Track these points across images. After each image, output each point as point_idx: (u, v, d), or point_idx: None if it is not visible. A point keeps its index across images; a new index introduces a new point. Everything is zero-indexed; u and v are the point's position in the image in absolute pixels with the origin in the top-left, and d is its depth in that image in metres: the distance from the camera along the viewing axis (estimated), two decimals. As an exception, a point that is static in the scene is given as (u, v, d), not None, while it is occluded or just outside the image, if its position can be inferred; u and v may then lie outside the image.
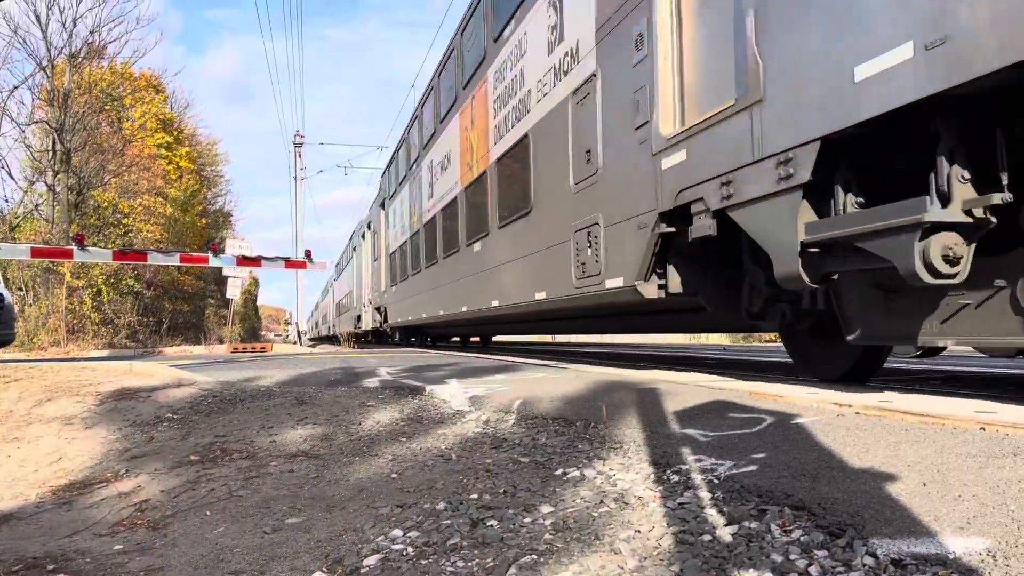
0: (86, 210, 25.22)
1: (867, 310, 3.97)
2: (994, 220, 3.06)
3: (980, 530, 1.65)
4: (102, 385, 5.14)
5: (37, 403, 4.59)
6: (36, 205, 25.11)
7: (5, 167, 24.62)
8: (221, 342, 27.57)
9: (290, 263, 15.22)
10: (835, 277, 3.90)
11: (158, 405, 4.66)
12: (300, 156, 34.30)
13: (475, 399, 4.62)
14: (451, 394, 4.87)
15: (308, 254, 15.46)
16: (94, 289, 23.15)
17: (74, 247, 12.33)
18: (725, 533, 1.92)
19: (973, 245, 3.13)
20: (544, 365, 6.98)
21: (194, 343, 26.67)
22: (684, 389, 4.00)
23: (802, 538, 1.82)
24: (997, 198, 2.95)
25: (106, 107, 26.59)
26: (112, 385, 5.16)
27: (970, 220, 3.05)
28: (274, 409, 4.51)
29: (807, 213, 3.77)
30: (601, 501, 2.32)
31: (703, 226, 4.63)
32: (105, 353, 18.26)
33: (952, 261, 3.09)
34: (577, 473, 2.71)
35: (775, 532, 1.88)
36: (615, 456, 2.91)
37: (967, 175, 3.07)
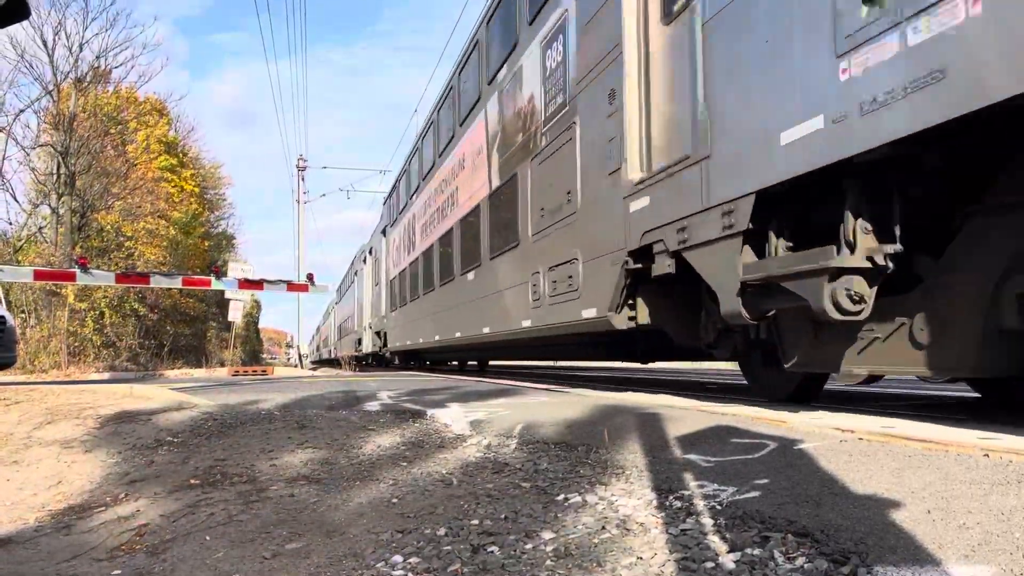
0: (89, 233, 25.33)
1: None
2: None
3: (985, 558, 1.64)
4: (102, 408, 5.13)
5: (37, 426, 4.58)
6: (40, 228, 25.23)
7: (10, 190, 24.78)
8: (222, 365, 27.53)
9: (292, 286, 15.25)
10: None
11: (158, 428, 4.65)
12: (303, 180, 34.48)
13: (476, 423, 4.61)
14: (452, 418, 4.85)
15: (311, 277, 15.50)
16: (97, 312, 23.17)
17: (77, 270, 12.37)
18: (728, 560, 1.90)
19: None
20: (546, 389, 6.96)
21: (195, 366, 26.64)
22: (686, 414, 3.99)
23: (805, 565, 1.81)
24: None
25: (111, 131, 26.78)
26: (112, 408, 5.15)
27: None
28: (275, 433, 4.49)
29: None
30: (603, 527, 2.31)
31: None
32: (106, 376, 18.23)
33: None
34: (579, 499, 2.69)
35: (778, 559, 1.86)
36: (617, 481, 2.90)
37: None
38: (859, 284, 3.65)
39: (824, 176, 3.66)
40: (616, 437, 3.61)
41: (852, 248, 3.62)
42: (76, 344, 21.71)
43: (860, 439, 2.88)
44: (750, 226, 4.16)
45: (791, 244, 4.17)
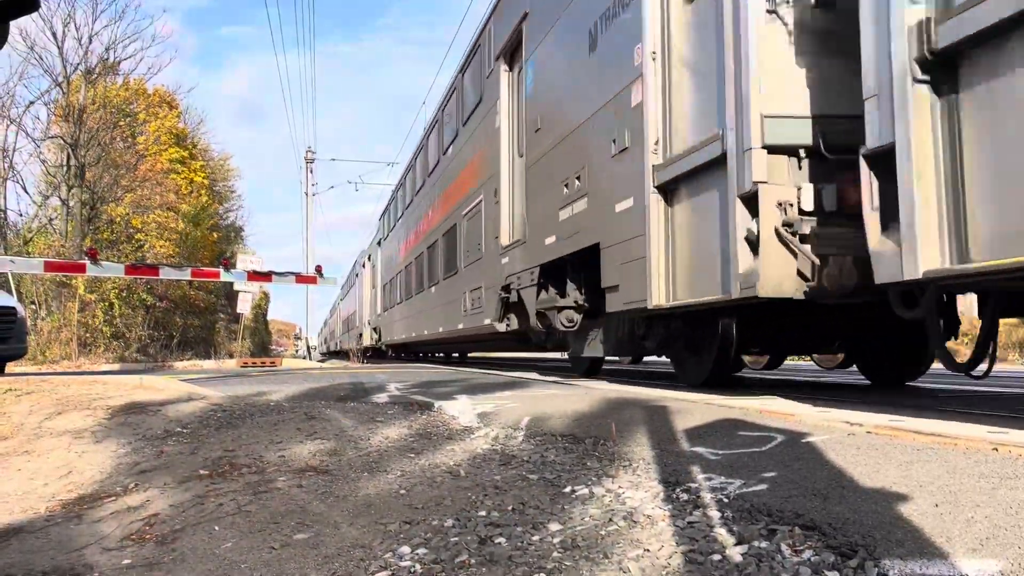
0: (99, 225, 25.43)
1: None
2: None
3: (992, 552, 1.64)
4: (112, 399, 5.16)
5: (48, 416, 4.61)
6: (50, 219, 25.35)
7: (20, 182, 24.87)
8: (231, 356, 27.64)
9: (301, 278, 15.28)
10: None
11: (168, 419, 4.67)
12: (311, 172, 34.49)
13: (484, 415, 4.61)
14: (460, 410, 4.86)
15: (319, 269, 15.51)
16: (106, 303, 23.27)
17: (87, 261, 12.42)
18: (735, 553, 1.90)
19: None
20: (554, 382, 6.98)
21: (204, 357, 26.75)
22: (693, 407, 3.98)
23: (812, 559, 1.81)
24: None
25: (120, 123, 26.84)
26: (122, 399, 5.18)
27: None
28: (283, 424, 4.51)
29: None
30: (610, 519, 2.31)
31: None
32: (116, 367, 18.34)
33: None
34: (586, 491, 2.70)
35: (785, 552, 1.86)
36: (624, 474, 2.90)
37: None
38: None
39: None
40: (623, 430, 3.61)
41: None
42: (86, 335, 21.83)
43: (868, 432, 2.87)
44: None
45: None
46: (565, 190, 6.82)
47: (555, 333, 8.03)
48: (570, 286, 7.18)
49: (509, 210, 9.09)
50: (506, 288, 8.95)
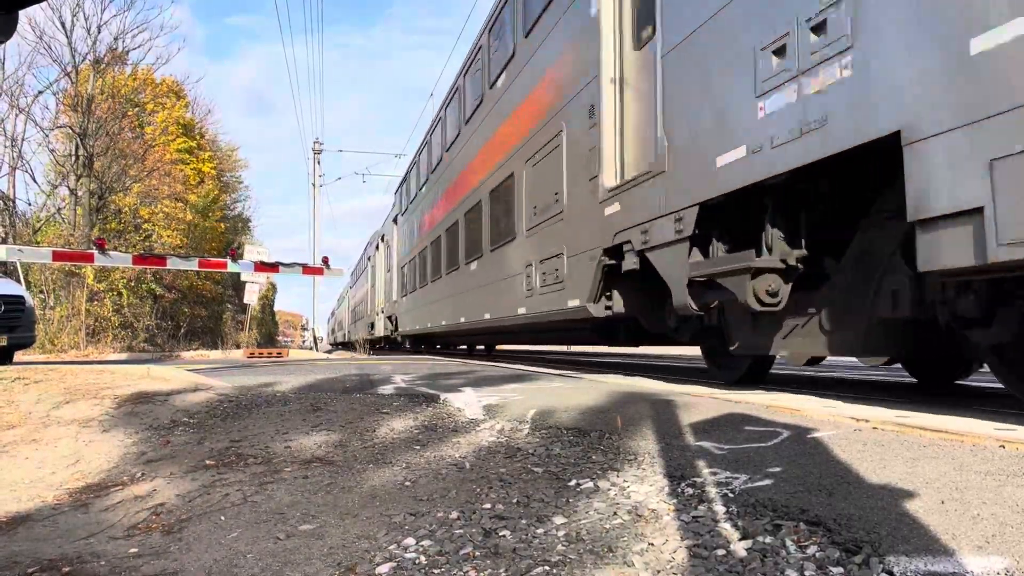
0: (107, 215, 25.50)
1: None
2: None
3: (999, 549, 1.63)
4: (120, 388, 5.18)
5: (56, 405, 4.64)
6: (58, 209, 25.44)
7: (29, 171, 24.92)
8: (238, 347, 27.71)
9: (307, 269, 15.29)
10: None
11: (175, 409, 4.69)
12: (319, 163, 34.49)
13: (490, 408, 4.62)
14: (466, 403, 4.87)
15: (326, 260, 15.52)
16: (115, 293, 23.36)
17: (95, 251, 12.45)
18: (740, 548, 1.90)
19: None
20: (560, 375, 6.97)
21: (211, 348, 26.84)
22: (700, 401, 3.98)
23: (817, 554, 1.80)
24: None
25: (128, 112, 26.89)
26: (130, 389, 5.20)
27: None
28: (289, 415, 4.53)
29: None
30: (615, 513, 2.31)
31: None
32: (124, 356, 18.41)
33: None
34: (591, 484, 2.70)
35: (790, 548, 1.86)
36: (629, 468, 2.90)
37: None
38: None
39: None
40: (629, 424, 3.61)
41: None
42: (95, 324, 21.92)
43: (874, 428, 2.87)
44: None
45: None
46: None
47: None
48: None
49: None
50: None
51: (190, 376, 6.29)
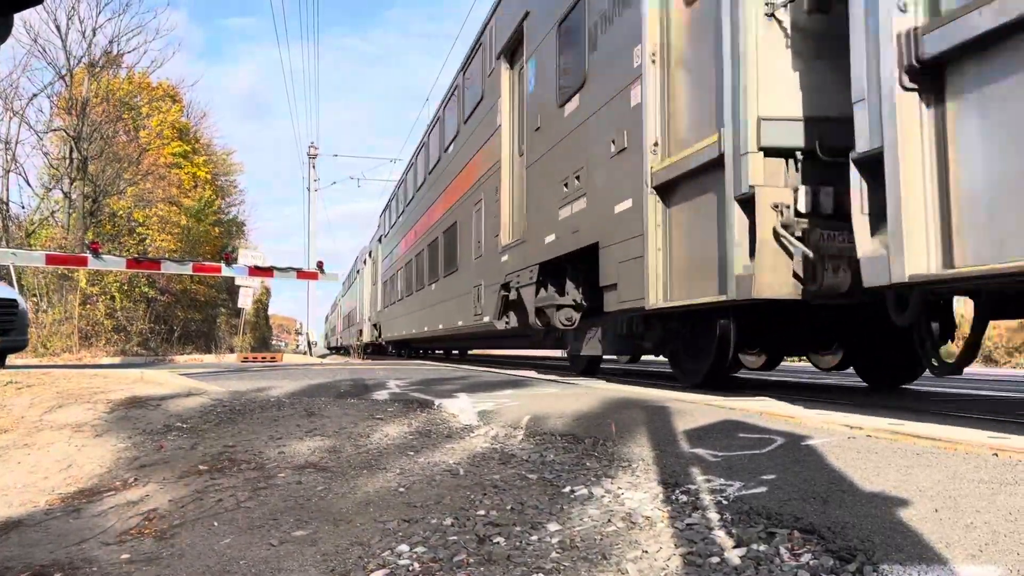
0: (101, 218, 25.43)
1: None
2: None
3: (992, 558, 1.63)
4: (113, 393, 5.16)
5: (48, 410, 4.61)
6: (52, 212, 25.37)
7: (22, 174, 24.94)
8: (232, 351, 27.65)
9: (302, 274, 15.28)
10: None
11: (168, 414, 4.67)
12: (314, 167, 34.48)
13: (484, 414, 4.61)
14: (460, 408, 4.86)
15: (320, 265, 15.50)
16: (108, 296, 23.29)
17: (89, 255, 12.42)
18: (734, 555, 1.90)
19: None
20: (554, 381, 6.97)
21: (205, 352, 26.79)
22: (694, 408, 3.98)
23: (811, 562, 1.80)
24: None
25: (123, 116, 26.84)
26: (123, 393, 5.18)
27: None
28: (283, 420, 4.51)
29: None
30: (609, 520, 2.31)
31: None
32: (117, 360, 18.35)
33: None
34: (585, 491, 2.69)
35: (784, 556, 1.86)
36: (623, 475, 2.90)
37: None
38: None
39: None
40: (623, 430, 3.61)
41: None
42: (88, 328, 21.85)
43: (868, 436, 2.87)
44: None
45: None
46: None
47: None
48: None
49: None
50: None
51: (184, 380, 6.27)
